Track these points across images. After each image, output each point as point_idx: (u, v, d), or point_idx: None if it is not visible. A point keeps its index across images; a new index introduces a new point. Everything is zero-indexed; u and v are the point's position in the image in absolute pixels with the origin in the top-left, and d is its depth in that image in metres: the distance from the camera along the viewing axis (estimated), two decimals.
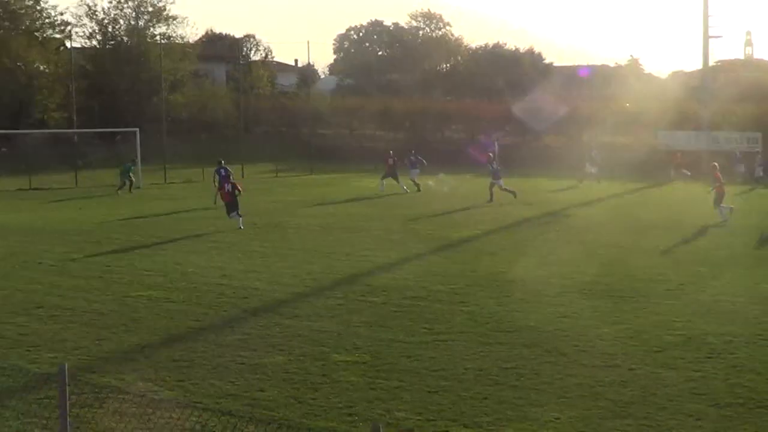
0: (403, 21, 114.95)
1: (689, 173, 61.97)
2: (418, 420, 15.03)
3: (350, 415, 15.33)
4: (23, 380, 16.72)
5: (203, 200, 47.84)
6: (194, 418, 14.35)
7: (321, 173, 70.20)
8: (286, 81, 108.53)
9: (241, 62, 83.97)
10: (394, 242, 34.54)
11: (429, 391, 16.47)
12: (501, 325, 21.32)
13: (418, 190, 54.30)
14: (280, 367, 18.05)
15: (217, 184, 44.52)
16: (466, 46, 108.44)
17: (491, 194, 48.43)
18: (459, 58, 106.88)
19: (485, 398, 16.07)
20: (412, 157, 57.13)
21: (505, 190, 48.47)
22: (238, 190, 38.82)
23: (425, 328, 21.15)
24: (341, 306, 23.52)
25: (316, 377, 17.39)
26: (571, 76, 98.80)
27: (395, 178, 54.44)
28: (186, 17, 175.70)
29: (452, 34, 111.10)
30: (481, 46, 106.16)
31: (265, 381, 17.16)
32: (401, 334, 20.64)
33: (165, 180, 64.45)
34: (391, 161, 55.18)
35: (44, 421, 14.74)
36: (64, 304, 23.87)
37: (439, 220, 41.56)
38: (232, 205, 38.96)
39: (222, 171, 46.81)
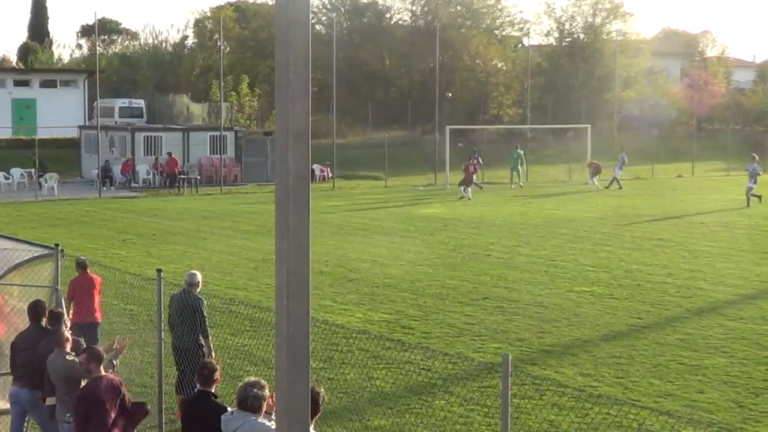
0: None
1: None
2: None
3: None
4: (467, 368, 17.44)
5: (652, 199, 47.56)
6: (631, 416, 14.40)
7: None
8: (743, 78, 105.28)
9: (696, 58, 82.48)
10: None
11: None
12: None
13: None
14: (722, 369, 17.75)
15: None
16: None
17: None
18: None
19: None
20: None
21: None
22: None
23: None
24: None
25: (759, 382, 16.97)
26: None
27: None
28: (641, 14, 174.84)
29: None
30: None
31: (705, 383, 16.94)
32: None
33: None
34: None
35: (485, 409, 15.33)
36: (510, 296, 24.56)
37: None
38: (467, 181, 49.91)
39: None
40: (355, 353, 18.20)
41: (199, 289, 15.64)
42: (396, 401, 15.86)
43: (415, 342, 19.48)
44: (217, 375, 10.71)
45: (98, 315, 17.53)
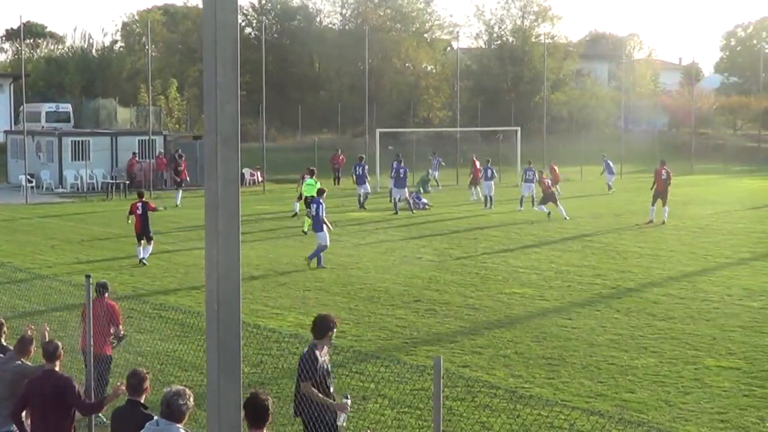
0: None
1: None
2: None
3: (722, 421, 15.02)
4: (399, 371, 17.42)
5: (581, 201, 47.86)
6: (563, 417, 14.47)
7: (701, 174, 68.51)
8: (669, 80, 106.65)
9: (623, 61, 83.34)
10: None
11: None
12: None
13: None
14: (651, 369, 17.90)
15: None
16: None
17: None
18: None
19: None
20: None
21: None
22: None
23: None
24: (717, 310, 22.99)
25: (688, 381, 17.13)
26: None
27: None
28: (569, 18, 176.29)
29: None
30: None
31: (635, 382, 17.07)
32: None
33: None
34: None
35: (418, 412, 15.33)
36: (441, 298, 24.60)
37: None
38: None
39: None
40: (287, 357, 18.10)
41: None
42: None
43: (347, 345, 19.43)
44: (147, 384, 10.60)
45: (108, 348, 15.46)
